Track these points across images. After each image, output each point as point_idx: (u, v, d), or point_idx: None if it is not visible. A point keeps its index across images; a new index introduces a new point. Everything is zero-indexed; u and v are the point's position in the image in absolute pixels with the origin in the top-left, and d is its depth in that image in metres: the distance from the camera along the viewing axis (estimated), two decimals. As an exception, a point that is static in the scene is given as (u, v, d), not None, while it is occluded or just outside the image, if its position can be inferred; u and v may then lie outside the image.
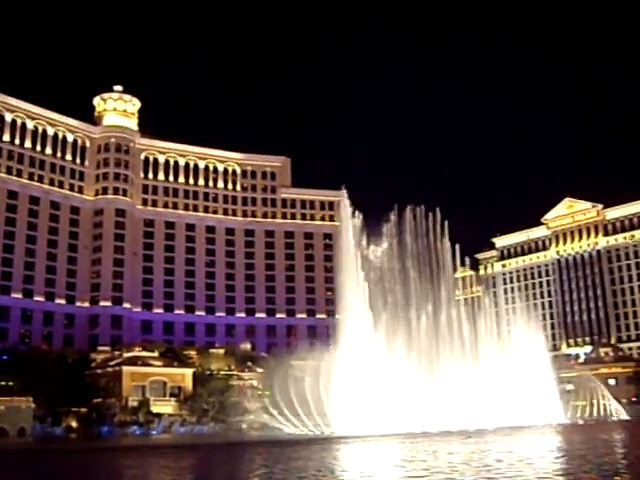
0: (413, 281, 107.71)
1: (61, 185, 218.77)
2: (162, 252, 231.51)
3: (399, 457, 47.59)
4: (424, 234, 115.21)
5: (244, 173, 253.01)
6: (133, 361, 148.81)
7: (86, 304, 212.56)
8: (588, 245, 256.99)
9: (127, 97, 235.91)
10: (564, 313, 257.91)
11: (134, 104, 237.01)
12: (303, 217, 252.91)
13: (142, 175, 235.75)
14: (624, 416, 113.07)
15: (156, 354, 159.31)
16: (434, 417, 78.93)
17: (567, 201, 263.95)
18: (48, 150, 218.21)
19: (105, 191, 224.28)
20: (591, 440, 59.20)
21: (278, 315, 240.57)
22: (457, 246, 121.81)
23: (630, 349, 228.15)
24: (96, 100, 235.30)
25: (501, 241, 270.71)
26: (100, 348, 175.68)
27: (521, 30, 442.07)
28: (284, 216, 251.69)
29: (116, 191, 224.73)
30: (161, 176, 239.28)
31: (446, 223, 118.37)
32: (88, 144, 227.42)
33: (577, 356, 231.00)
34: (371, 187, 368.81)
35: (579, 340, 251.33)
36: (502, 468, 35.68)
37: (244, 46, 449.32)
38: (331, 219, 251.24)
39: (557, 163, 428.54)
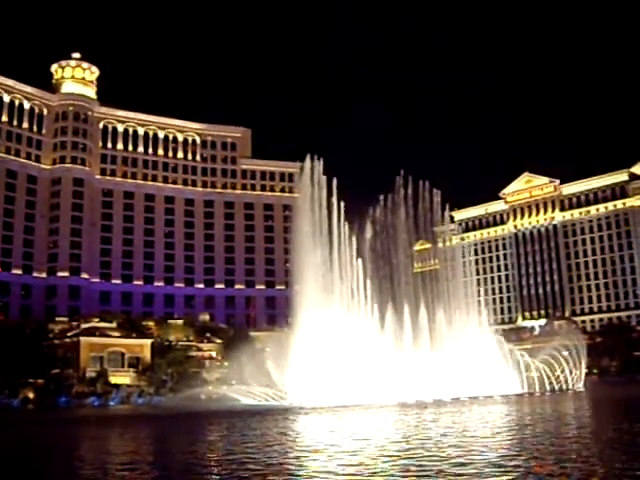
0: (370, 253, 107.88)
1: (17, 153, 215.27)
2: (121, 222, 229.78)
3: (349, 428, 48.33)
4: (384, 207, 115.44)
5: (204, 143, 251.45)
6: (91, 332, 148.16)
7: (43, 274, 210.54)
8: (545, 220, 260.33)
9: (86, 65, 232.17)
10: (520, 286, 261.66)
11: (93, 72, 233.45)
12: (263, 188, 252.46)
13: (101, 144, 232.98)
14: (579, 387, 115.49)
15: (114, 325, 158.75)
16: (393, 389, 79.71)
17: (525, 176, 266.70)
18: (4, 118, 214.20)
19: (63, 160, 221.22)
20: (536, 411, 60.50)
21: (237, 286, 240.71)
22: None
23: (583, 322, 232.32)
24: (54, 67, 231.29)
25: (460, 215, 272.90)
26: (58, 319, 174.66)
27: None
28: (244, 187, 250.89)
29: (74, 160, 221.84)
30: (120, 145, 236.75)
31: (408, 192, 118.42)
32: (46, 112, 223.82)
33: (532, 328, 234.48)
34: (333, 159, 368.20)
35: (534, 313, 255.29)
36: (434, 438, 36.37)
37: (206, 13, 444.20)
38: (291, 191, 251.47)
39: (517, 138, 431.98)
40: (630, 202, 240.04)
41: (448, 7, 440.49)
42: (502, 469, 23.22)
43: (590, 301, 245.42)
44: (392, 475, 23.18)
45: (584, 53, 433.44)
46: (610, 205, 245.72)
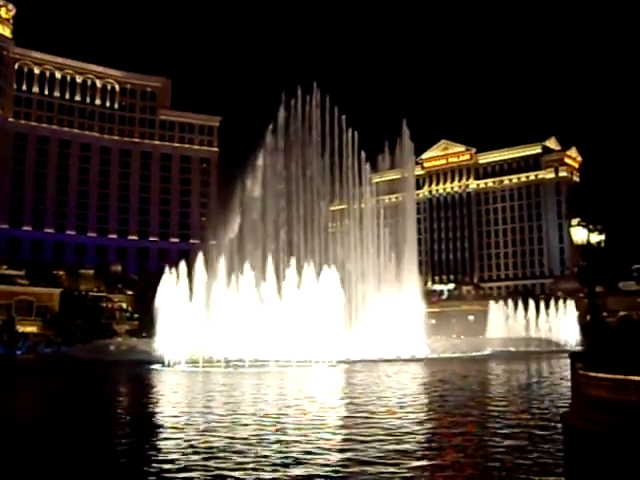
0: (285, 212, 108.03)
1: None
2: (33, 168, 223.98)
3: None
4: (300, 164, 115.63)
5: (123, 91, 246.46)
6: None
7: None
8: (459, 187, 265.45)
9: (1, 2, 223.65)
10: (432, 251, 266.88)
11: (9, 10, 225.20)
12: (182, 140, 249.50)
13: (15, 86, 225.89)
14: (484, 352, 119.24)
15: (22, 273, 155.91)
16: (305, 348, 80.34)
17: (443, 143, 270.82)
18: None
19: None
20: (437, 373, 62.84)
21: (151, 238, 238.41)
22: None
23: (490, 289, 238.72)
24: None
25: (376, 178, 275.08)
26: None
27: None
28: (162, 138, 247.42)
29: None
30: (36, 89, 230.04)
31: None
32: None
33: (441, 292, 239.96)
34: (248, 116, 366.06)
35: (444, 277, 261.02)
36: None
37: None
38: (210, 144, 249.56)
39: (436, 106, 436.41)
40: (542, 174, 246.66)
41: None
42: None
43: (498, 268, 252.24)
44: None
45: (503, 28, 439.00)
46: (523, 176, 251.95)
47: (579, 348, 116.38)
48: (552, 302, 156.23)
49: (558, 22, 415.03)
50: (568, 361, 20.28)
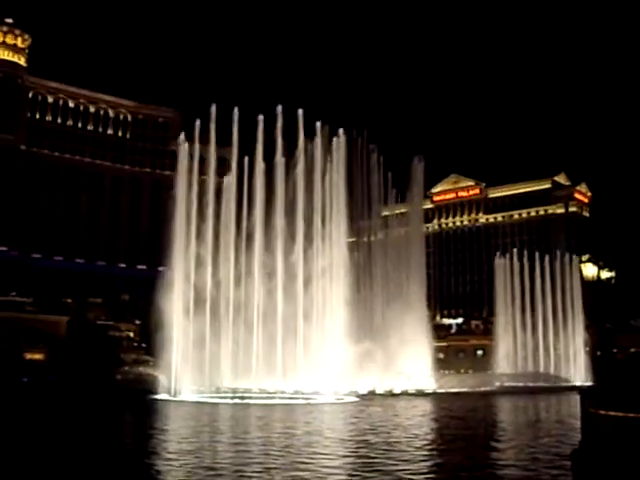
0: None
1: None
2: (45, 196, 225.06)
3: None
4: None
5: (135, 121, 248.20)
6: (7, 306, 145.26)
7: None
8: (469, 221, 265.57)
9: (18, 31, 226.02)
10: (441, 284, 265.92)
11: (25, 39, 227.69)
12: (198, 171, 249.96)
13: (29, 114, 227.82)
14: (490, 387, 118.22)
15: (31, 300, 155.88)
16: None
17: (452, 177, 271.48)
18: None
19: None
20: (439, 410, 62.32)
21: (160, 268, 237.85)
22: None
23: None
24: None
25: (387, 211, 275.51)
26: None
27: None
28: (172, 168, 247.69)
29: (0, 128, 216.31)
30: (49, 117, 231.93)
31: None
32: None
33: (450, 326, 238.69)
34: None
35: (453, 311, 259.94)
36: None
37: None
38: (221, 175, 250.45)
39: (446, 140, 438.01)
40: (552, 209, 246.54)
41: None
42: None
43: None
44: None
45: (515, 64, 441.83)
46: (532, 211, 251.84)
47: (589, 384, 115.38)
48: (561, 337, 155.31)
49: (569, 58, 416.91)
50: (577, 397, 19.98)
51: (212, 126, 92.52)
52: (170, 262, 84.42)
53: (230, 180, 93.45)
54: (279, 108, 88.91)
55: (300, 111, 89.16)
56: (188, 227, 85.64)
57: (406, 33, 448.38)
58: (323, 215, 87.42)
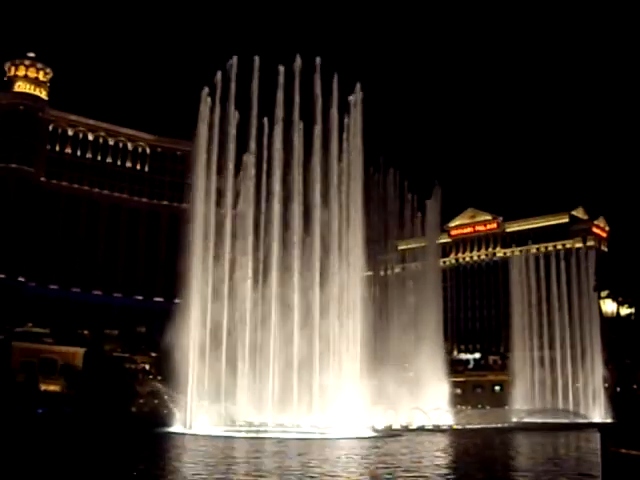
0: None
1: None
2: (64, 227, 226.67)
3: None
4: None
5: (154, 154, 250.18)
6: (24, 336, 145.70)
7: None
8: (486, 255, 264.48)
9: (40, 65, 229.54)
10: (458, 319, 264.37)
11: (47, 73, 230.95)
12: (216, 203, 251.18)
13: (49, 147, 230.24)
14: (508, 423, 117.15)
15: (48, 331, 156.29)
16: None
17: (470, 211, 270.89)
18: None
19: (9, 159, 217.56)
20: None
21: (177, 300, 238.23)
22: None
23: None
24: (7, 65, 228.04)
25: (404, 245, 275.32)
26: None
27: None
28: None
29: (20, 160, 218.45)
30: (68, 150, 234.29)
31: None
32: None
33: (467, 362, 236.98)
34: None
35: (470, 346, 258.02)
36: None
37: (163, 27, 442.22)
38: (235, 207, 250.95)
39: (463, 174, 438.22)
40: (569, 244, 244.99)
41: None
42: None
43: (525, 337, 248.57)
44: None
45: (533, 99, 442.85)
46: (550, 245, 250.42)
47: (608, 421, 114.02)
48: (580, 373, 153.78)
49: (588, 92, 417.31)
50: (597, 435, 19.67)
51: (232, 84, 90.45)
52: (186, 294, 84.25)
53: (249, 159, 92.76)
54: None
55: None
56: (204, 261, 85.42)
57: (424, 63, 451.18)
58: (340, 249, 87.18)
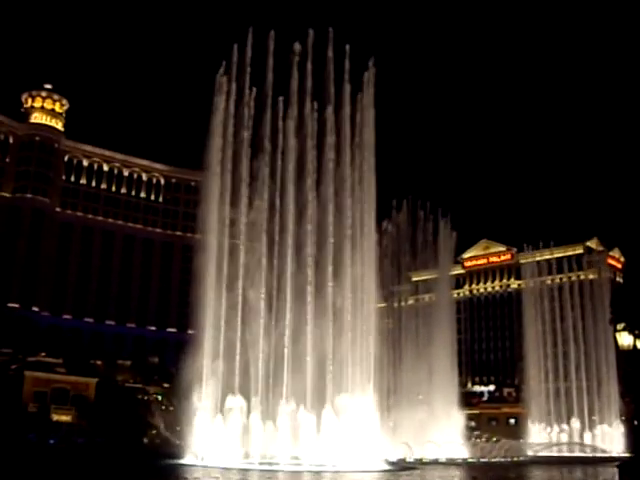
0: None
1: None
2: (77, 257, 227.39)
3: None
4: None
5: (168, 185, 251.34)
6: (36, 366, 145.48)
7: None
8: (500, 286, 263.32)
9: (56, 97, 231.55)
10: (472, 351, 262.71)
11: (63, 104, 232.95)
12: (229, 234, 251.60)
13: (64, 177, 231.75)
14: (524, 456, 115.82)
15: (60, 361, 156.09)
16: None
17: (483, 242, 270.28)
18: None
19: (24, 190, 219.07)
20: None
21: (190, 331, 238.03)
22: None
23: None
24: (24, 97, 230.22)
25: (417, 277, 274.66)
26: (3, 350, 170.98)
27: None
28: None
29: (35, 191, 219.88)
30: (83, 180, 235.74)
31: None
32: (11, 140, 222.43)
33: (481, 394, 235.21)
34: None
35: (484, 378, 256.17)
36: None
37: (179, 59, 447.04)
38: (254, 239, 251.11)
39: (477, 205, 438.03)
40: (584, 275, 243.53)
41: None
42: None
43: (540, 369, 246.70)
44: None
45: (546, 130, 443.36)
46: (565, 277, 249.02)
47: (626, 455, 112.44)
48: (596, 406, 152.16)
49: (603, 122, 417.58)
50: (614, 470, 19.28)
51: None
52: (199, 325, 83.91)
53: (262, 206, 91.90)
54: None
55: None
56: (217, 291, 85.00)
57: (439, 93, 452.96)
58: (353, 281, 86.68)
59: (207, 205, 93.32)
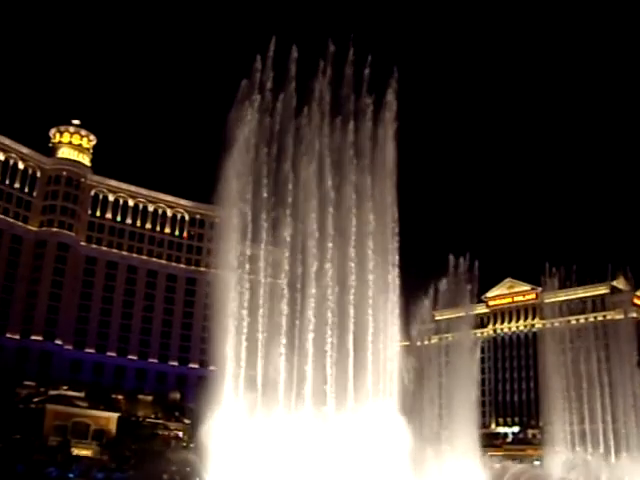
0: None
1: (6, 212, 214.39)
2: (101, 292, 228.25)
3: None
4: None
5: (192, 221, 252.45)
6: (58, 400, 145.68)
7: (17, 336, 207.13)
8: (525, 326, 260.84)
9: (84, 132, 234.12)
10: (496, 391, 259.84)
11: (90, 140, 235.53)
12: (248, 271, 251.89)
13: (90, 212, 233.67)
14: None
15: (82, 395, 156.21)
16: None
17: (508, 281, 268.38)
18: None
19: (50, 223, 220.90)
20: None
21: (211, 367, 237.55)
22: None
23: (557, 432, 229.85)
24: (52, 132, 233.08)
25: (441, 315, 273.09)
26: (26, 383, 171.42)
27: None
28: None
29: (61, 225, 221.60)
30: (109, 215, 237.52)
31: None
32: (39, 174, 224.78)
33: (505, 435, 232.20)
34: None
35: (508, 419, 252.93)
36: None
37: (205, 94, 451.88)
38: (277, 276, 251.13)
39: (501, 244, 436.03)
40: (610, 315, 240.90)
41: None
42: None
43: (562, 411, 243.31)
44: None
45: (571, 166, 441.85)
46: (590, 317, 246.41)
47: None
48: (623, 449, 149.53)
49: (628, 154, 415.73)
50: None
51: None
52: (219, 362, 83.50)
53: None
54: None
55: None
56: (238, 329, 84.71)
57: (446, 129, 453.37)
58: (375, 319, 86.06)
59: (225, 241, 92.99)
